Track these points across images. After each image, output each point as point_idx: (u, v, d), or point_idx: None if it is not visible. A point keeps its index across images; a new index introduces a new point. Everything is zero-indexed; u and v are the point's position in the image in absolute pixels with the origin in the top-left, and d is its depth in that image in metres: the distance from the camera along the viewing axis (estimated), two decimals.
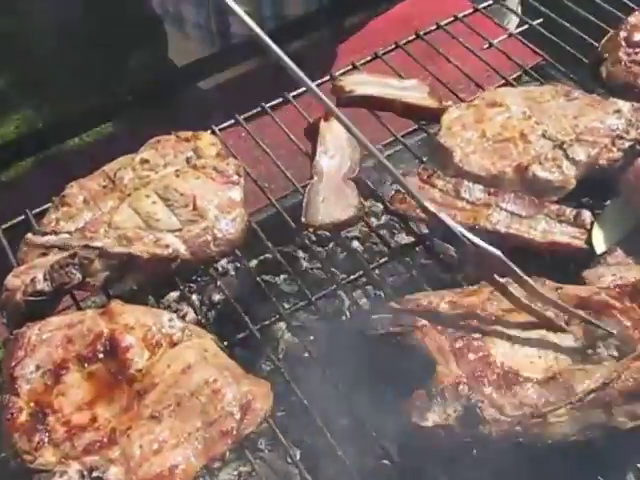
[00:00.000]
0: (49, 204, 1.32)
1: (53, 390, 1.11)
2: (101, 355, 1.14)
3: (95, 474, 1.02)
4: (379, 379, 1.16)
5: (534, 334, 1.11)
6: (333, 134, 1.40)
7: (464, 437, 1.01)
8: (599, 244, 1.24)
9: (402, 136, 1.52)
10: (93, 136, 1.30)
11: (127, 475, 1.02)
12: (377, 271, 1.47)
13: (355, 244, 1.62)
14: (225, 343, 1.22)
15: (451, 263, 1.42)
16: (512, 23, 1.97)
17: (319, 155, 1.37)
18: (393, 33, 1.66)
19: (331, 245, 1.62)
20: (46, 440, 1.06)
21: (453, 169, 1.32)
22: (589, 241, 1.24)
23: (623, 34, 1.48)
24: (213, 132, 1.45)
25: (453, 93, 1.51)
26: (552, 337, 1.11)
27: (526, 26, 1.66)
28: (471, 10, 1.67)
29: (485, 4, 1.69)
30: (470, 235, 1.12)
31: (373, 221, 1.60)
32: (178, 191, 1.29)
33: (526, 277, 1.11)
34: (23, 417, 1.08)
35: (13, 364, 1.13)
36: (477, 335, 1.09)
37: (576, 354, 1.08)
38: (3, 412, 1.08)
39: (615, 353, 1.08)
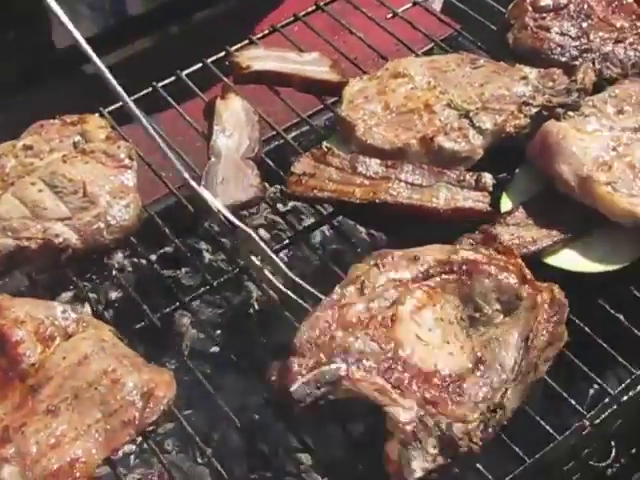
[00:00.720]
0: None
1: None
2: None
3: None
4: None
5: (433, 325, 1.21)
6: (230, 112, 1.51)
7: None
8: (506, 205, 1.40)
9: (309, 116, 1.65)
10: None
11: (23, 473, 1.10)
12: (282, 255, 1.61)
13: (262, 232, 1.75)
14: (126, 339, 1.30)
15: (358, 242, 1.58)
16: None
17: (216, 135, 1.49)
18: (292, 4, 1.79)
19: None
20: None
21: (356, 144, 1.45)
22: (496, 205, 1.39)
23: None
24: (102, 115, 1.55)
25: (356, 66, 1.64)
26: (445, 314, 1.22)
27: None
28: None
29: None
30: (228, 214, 1.26)
31: (280, 207, 1.74)
32: (66, 177, 1.38)
33: (274, 256, 1.26)
34: None
35: None
36: (396, 352, 1.16)
37: (469, 321, 1.22)
38: None
39: (498, 306, 1.22)
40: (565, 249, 1.37)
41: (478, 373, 1.17)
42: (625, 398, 1.14)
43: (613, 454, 1.22)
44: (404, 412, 1.12)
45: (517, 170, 1.47)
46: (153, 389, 1.20)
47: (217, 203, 1.28)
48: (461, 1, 1.80)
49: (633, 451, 1.38)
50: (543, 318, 1.20)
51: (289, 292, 1.26)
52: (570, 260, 1.36)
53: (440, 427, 1.11)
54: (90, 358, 1.21)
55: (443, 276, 1.25)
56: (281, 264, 1.26)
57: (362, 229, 1.66)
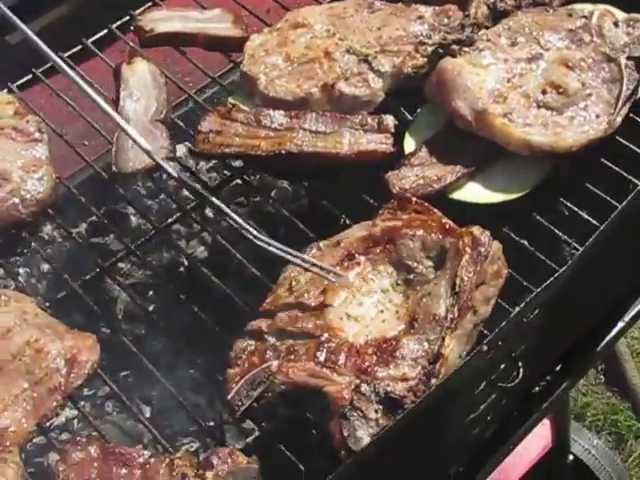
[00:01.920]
0: None
1: None
2: None
3: None
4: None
5: (366, 297, 1.27)
6: (137, 76, 1.55)
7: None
8: (410, 146, 1.46)
9: (220, 75, 1.68)
10: None
11: None
12: (205, 213, 1.67)
13: (183, 193, 1.75)
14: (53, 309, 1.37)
15: (278, 195, 1.63)
16: None
17: (123, 100, 1.53)
18: None
19: (160, 198, 1.78)
20: None
21: (260, 97, 1.50)
22: (400, 145, 1.45)
23: None
24: (10, 91, 1.58)
25: (258, 18, 1.68)
26: (377, 286, 1.28)
27: None
28: None
29: None
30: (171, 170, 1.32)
31: (199, 166, 1.77)
32: None
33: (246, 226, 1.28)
34: None
35: None
36: (325, 335, 1.21)
37: (404, 284, 1.28)
38: None
39: (430, 263, 1.28)
40: (469, 183, 1.42)
41: (412, 331, 1.22)
42: (525, 320, 1.20)
43: (521, 372, 1.29)
44: (339, 387, 1.17)
45: (418, 110, 1.52)
46: (76, 355, 1.26)
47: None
48: None
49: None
50: (465, 260, 1.24)
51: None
52: (474, 193, 1.42)
53: (378, 392, 1.16)
54: (13, 331, 1.27)
55: (369, 251, 1.30)
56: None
57: (281, 182, 1.71)
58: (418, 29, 1.54)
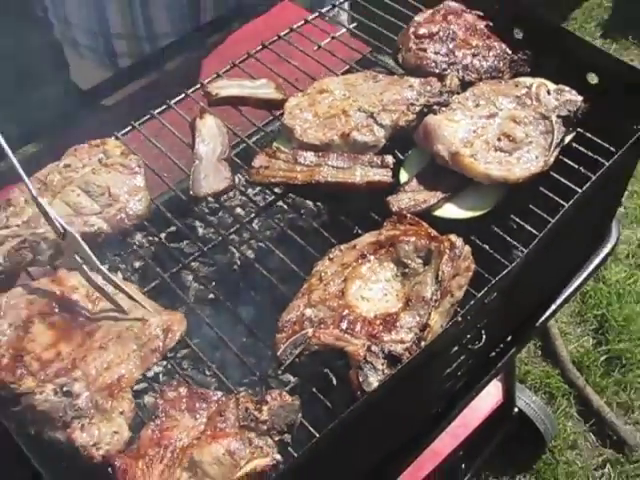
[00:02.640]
0: None
1: (24, 339, 1.28)
2: (57, 309, 1.33)
3: (65, 389, 1.21)
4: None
5: (374, 284, 1.32)
6: (207, 127, 1.61)
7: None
8: (404, 177, 1.52)
9: (263, 125, 1.73)
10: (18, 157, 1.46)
11: (88, 386, 1.22)
12: (253, 225, 1.73)
13: (238, 210, 1.84)
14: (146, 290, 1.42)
15: (307, 212, 1.69)
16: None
17: (198, 144, 1.58)
18: (246, 45, 1.85)
19: (220, 214, 1.83)
20: (25, 373, 1.24)
21: (296, 142, 1.55)
22: (396, 177, 1.50)
23: (412, 29, 1.71)
24: (117, 138, 1.64)
25: (294, 86, 1.73)
26: (382, 277, 1.33)
27: (344, 30, 1.90)
28: (302, 22, 1.89)
29: (313, 16, 1.91)
30: (61, 221, 1.31)
31: (250, 191, 1.83)
32: (96, 184, 1.48)
33: (98, 263, 1.32)
34: (5, 360, 1.25)
35: None
36: (346, 311, 1.27)
37: (402, 276, 1.33)
38: None
39: (420, 261, 1.34)
40: (447, 203, 1.48)
41: (407, 309, 1.27)
42: (486, 301, 1.27)
43: (484, 339, 1.36)
44: (356, 347, 1.23)
45: (410, 151, 1.57)
46: (170, 325, 1.33)
47: (52, 212, 1.32)
48: (370, 34, 1.87)
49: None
50: (445, 259, 1.30)
51: (106, 290, 1.34)
52: (450, 211, 1.47)
53: (384, 350, 1.21)
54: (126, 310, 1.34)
55: (376, 252, 1.36)
56: (100, 265, 1.33)
57: (309, 202, 1.77)
58: (409, 94, 1.59)
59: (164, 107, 1.73)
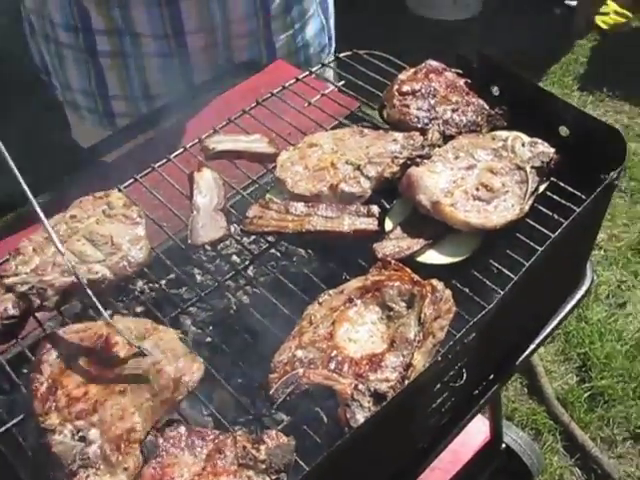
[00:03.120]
0: (7, 256, 1.55)
1: (65, 372, 1.31)
2: (99, 348, 1.35)
3: (81, 434, 1.23)
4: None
5: (361, 326, 1.37)
6: (204, 180, 1.67)
7: None
8: (389, 226, 1.57)
9: (256, 178, 1.79)
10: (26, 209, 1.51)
11: (102, 434, 1.23)
12: (248, 272, 1.78)
13: (234, 258, 1.90)
14: None
15: (298, 259, 1.75)
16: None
17: (195, 196, 1.64)
18: (242, 102, 1.93)
19: (217, 261, 1.89)
20: (53, 408, 1.26)
21: (287, 194, 1.61)
22: (382, 225, 1.56)
23: (396, 87, 1.78)
24: (119, 190, 1.70)
25: (286, 141, 1.79)
26: (369, 319, 1.38)
27: (332, 87, 1.99)
28: (294, 80, 1.97)
29: (303, 75, 2.00)
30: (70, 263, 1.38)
31: (245, 240, 1.87)
32: (99, 234, 1.54)
33: (103, 313, 1.35)
34: (42, 389, 1.28)
35: (42, 352, 1.34)
36: (334, 352, 1.32)
37: (387, 319, 1.38)
38: (30, 385, 1.31)
39: (403, 304, 1.39)
40: (429, 250, 1.53)
41: (392, 349, 1.32)
42: (465, 341, 1.32)
43: (465, 376, 1.41)
44: (343, 386, 1.27)
45: (394, 201, 1.63)
46: (181, 376, 1.30)
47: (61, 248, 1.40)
48: (356, 90, 1.95)
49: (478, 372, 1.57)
50: (427, 302, 1.36)
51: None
52: (432, 257, 1.52)
53: (369, 389, 1.26)
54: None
55: (363, 296, 1.41)
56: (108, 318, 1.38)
57: (300, 250, 1.82)
58: (393, 148, 1.66)
59: (164, 160, 1.79)
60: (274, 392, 1.29)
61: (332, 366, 1.31)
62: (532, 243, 1.54)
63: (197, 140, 1.82)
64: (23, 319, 1.47)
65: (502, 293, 1.36)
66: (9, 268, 1.52)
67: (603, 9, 3.14)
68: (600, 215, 1.72)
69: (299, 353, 1.34)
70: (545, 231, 1.54)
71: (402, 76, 1.84)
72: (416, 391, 1.28)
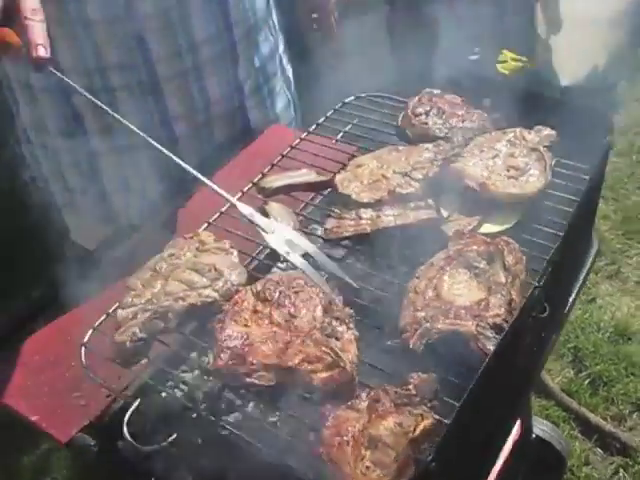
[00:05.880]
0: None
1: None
2: None
3: None
4: None
5: (459, 284, 1.54)
6: (275, 209, 1.82)
7: None
8: (445, 214, 1.76)
9: (310, 200, 1.94)
10: None
11: None
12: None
13: None
14: None
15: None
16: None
17: (272, 222, 1.73)
18: (253, 166, 2.05)
19: None
20: None
21: (354, 204, 1.78)
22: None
23: (409, 111, 2.02)
24: (206, 229, 1.84)
25: (328, 171, 1.96)
26: (462, 279, 1.55)
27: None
28: (298, 140, 2.09)
29: (304, 134, 2.11)
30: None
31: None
32: (203, 263, 1.66)
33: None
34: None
35: None
36: (448, 306, 1.47)
37: (475, 276, 1.55)
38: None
39: (484, 262, 1.57)
40: (484, 223, 1.74)
41: (492, 293, 1.49)
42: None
43: (547, 309, 1.59)
44: (467, 326, 1.42)
45: (441, 195, 1.81)
46: None
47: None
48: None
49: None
50: (506, 252, 1.56)
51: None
52: (489, 227, 1.72)
53: (489, 323, 1.42)
54: None
55: (451, 263, 1.58)
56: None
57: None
58: (428, 155, 1.86)
59: (228, 205, 1.87)
60: (414, 345, 1.43)
61: (451, 315, 1.46)
62: (561, 206, 1.76)
63: (251, 184, 1.96)
64: (149, 341, 1.57)
65: (562, 235, 1.57)
66: (127, 301, 1.63)
67: (501, 58, 3.65)
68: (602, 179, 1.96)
69: (419, 314, 1.49)
70: (568, 195, 1.77)
71: (411, 103, 2.08)
72: (523, 317, 1.45)
